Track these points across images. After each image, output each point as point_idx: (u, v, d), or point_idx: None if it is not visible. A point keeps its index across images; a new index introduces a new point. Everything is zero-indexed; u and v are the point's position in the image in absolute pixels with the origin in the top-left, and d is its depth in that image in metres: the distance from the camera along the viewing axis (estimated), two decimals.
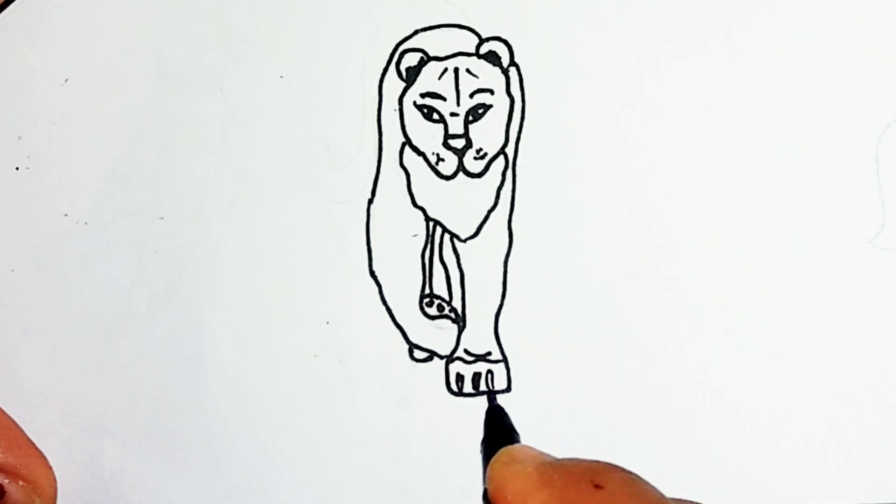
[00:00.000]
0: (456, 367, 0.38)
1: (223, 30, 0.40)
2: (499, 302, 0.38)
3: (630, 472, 0.28)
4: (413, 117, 0.39)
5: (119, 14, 0.40)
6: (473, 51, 0.39)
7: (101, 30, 0.40)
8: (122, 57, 0.40)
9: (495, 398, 0.37)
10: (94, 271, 0.39)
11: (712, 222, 0.37)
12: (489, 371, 0.38)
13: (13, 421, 0.37)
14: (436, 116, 0.38)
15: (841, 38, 0.38)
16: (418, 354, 0.38)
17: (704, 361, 0.37)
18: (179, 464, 0.38)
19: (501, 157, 0.38)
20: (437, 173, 0.38)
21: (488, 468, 0.30)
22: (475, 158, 0.38)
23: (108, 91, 0.40)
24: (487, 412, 0.36)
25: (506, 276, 0.38)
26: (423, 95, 0.39)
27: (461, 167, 0.38)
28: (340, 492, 0.38)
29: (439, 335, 0.38)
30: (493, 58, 0.39)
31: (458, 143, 0.38)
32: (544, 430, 0.35)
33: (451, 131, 0.38)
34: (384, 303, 0.38)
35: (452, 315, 0.38)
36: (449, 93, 0.38)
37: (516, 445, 0.32)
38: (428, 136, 0.39)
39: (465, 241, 0.38)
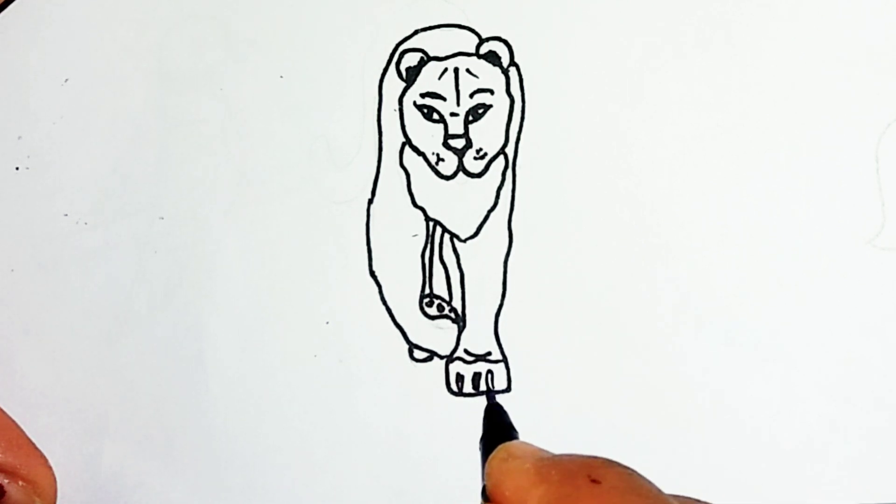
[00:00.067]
0: (456, 367, 0.38)
1: (223, 30, 0.40)
2: (499, 302, 0.38)
3: (627, 468, 0.28)
4: (413, 117, 0.39)
5: (119, 14, 0.40)
6: (473, 51, 0.39)
7: (101, 30, 0.40)
8: (122, 57, 0.40)
9: (494, 395, 0.37)
10: (94, 271, 0.39)
11: (712, 222, 0.37)
12: (489, 371, 0.38)
13: (13, 421, 0.37)
14: (436, 116, 0.38)
15: (841, 38, 0.38)
16: (418, 354, 0.38)
17: (704, 362, 0.37)
18: (179, 464, 0.38)
19: (501, 157, 0.38)
20: (437, 173, 0.38)
21: (486, 464, 0.30)
22: (475, 158, 0.38)
23: (108, 91, 0.40)
24: (486, 409, 0.36)
25: (506, 276, 0.38)
26: (423, 95, 0.39)
27: (461, 167, 0.38)
28: (340, 492, 0.38)
29: (439, 335, 0.38)
30: (493, 58, 0.39)
31: (458, 143, 0.38)
32: (544, 430, 0.35)
33: (451, 131, 0.38)
34: (384, 303, 0.38)
35: (452, 315, 0.38)
36: (449, 93, 0.38)
37: (514, 442, 0.32)
38: (428, 136, 0.39)
39: (465, 241, 0.38)
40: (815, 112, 0.37)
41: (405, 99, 0.39)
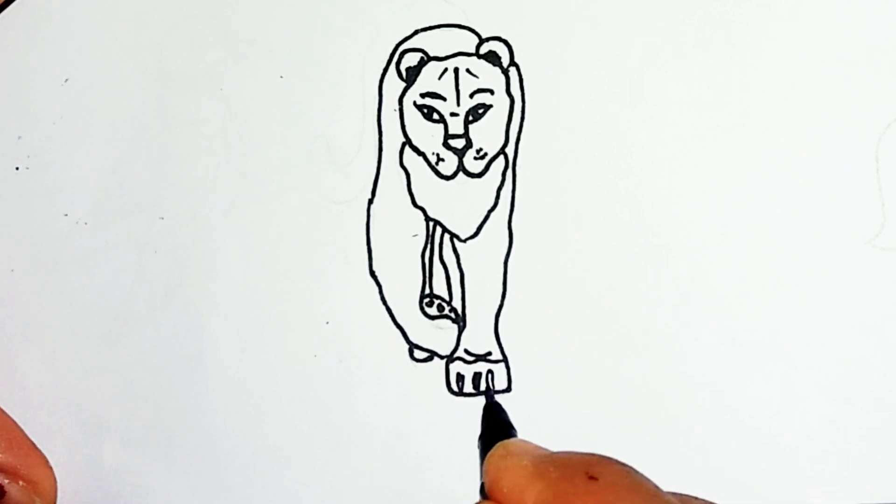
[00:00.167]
0: (456, 366, 0.38)
1: (223, 30, 0.40)
2: (499, 302, 0.38)
3: (625, 464, 0.28)
4: (413, 117, 0.39)
5: (119, 14, 0.40)
6: (473, 51, 0.39)
7: (101, 30, 0.40)
8: (122, 57, 0.40)
9: (492, 394, 0.37)
10: (94, 271, 0.39)
11: (712, 222, 0.37)
12: (489, 371, 0.38)
13: (13, 421, 0.37)
14: (436, 116, 0.38)
15: (841, 38, 0.38)
16: (418, 354, 0.38)
17: (704, 361, 0.37)
18: (179, 464, 0.38)
19: (501, 157, 0.38)
20: (437, 173, 0.38)
21: (484, 462, 0.30)
22: (475, 158, 0.38)
23: (108, 91, 0.40)
24: (485, 408, 0.36)
25: (506, 276, 0.38)
26: (423, 95, 0.39)
27: (461, 167, 0.38)
28: (340, 492, 0.38)
29: (439, 335, 0.38)
30: (493, 58, 0.39)
31: (458, 143, 0.38)
32: (544, 430, 0.35)
33: (451, 131, 0.38)
34: (384, 303, 0.38)
35: (452, 315, 0.38)
36: (449, 93, 0.38)
37: (512, 439, 0.32)
38: (428, 136, 0.39)
39: (465, 241, 0.38)
40: (815, 112, 0.37)
41: (405, 99, 0.39)
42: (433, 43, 0.39)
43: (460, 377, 0.38)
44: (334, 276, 0.38)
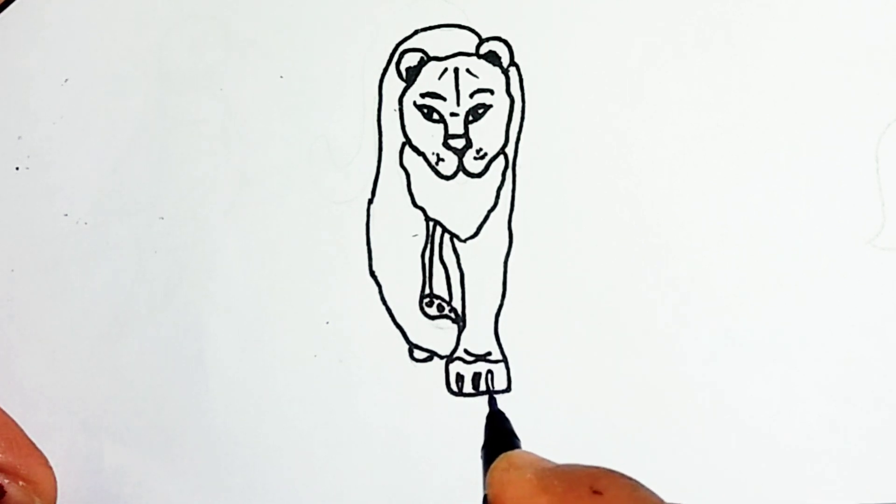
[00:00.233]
0: (456, 367, 0.38)
1: (223, 30, 0.40)
2: (499, 302, 0.38)
3: (630, 479, 0.27)
4: (413, 117, 0.39)
5: (119, 14, 0.40)
6: (473, 51, 0.39)
7: (101, 30, 0.40)
8: (122, 57, 0.40)
9: (496, 402, 0.37)
10: (94, 271, 0.39)
11: (712, 222, 0.37)
12: (489, 371, 0.38)
13: (13, 421, 0.37)
14: (436, 116, 0.38)
15: (841, 38, 0.38)
16: (418, 354, 0.38)
17: (704, 362, 0.37)
18: (179, 464, 0.38)
19: (501, 157, 0.38)
20: (437, 173, 0.38)
21: (488, 474, 0.30)
22: (475, 158, 0.38)
23: (108, 91, 0.40)
24: (488, 417, 0.36)
25: (506, 276, 0.38)
26: (423, 95, 0.39)
27: (461, 167, 0.38)
28: (340, 492, 0.38)
29: (439, 335, 0.38)
30: (493, 58, 0.39)
31: (458, 143, 0.38)
32: (544, 431, 0.35)
33: (451, 131, 0.38)
34: (384, 303, 0.38)
35: (452, 315, 0.38)
36: (449, 93, 0.38)
37: (516, 451, 0.32)
38: (428, 136, 0.39)
39: (465, 241, 0.38)
40: (815, 112, 0.37)
41: (405, 99, 0.39)
42: (433, 43, 0.39)
43: (460, 377, 0.38)
44: (334, 276, 0.38)
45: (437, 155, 0.38)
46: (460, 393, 0.38)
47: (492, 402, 0.37)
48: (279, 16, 0.39)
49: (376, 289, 0.38)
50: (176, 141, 0.39)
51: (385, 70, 0.39)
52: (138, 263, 0.39)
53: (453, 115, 0.38)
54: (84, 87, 0.40)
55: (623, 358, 0.37)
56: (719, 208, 0.37)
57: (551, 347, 0.37)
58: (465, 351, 0.38)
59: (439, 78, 0.39)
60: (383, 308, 0.38)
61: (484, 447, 0.35)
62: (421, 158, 0.39)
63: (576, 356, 0.37)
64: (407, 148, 0.39)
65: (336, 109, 0.39)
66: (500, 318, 0.38)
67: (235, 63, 0.39)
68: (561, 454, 0.31)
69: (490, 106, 0.38)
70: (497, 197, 0.38)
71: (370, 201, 0.39)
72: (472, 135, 0.38)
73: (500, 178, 0.38)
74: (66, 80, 0.40)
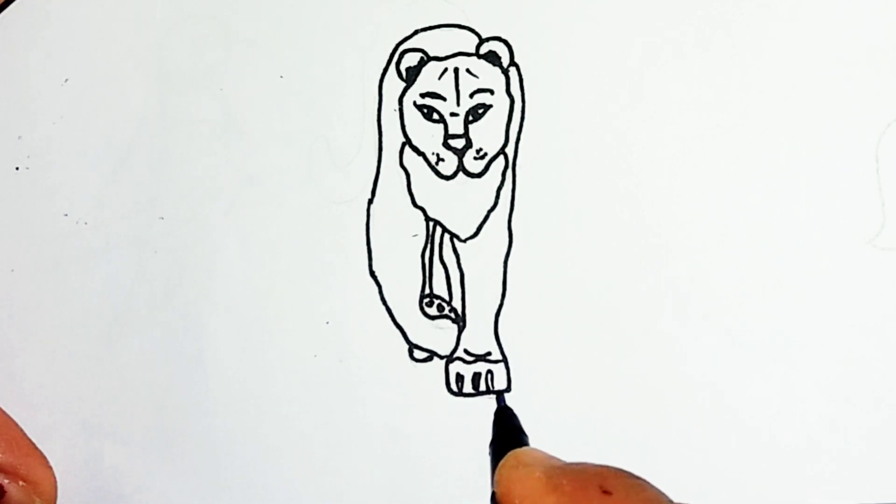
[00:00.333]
0: (456, 367, 0.38)
1: (223, 30, 0.40)
2: (499, 302, 0.38)
3: (639, 479, 0.28)
4: (413, 117, 0.39)
5: (119, 14, 0.40)
6: (473, 51, 0.39)
7: (101, 30, 0.40)
8: (122, 57, 0.40)
9: (504, 399, 0.37)
10: (94, 271, 0.39)
11: (712, 222, 0.37)
12: (489, 371, 0.38)
13: (13, 421, 0.37)
14: (436, 116, 0.38)
15: (841, 38, 0.38)
16: (418, 354, 0.38)
17: (704, 361, 0.37)
18: (179, 464, 0.38)
19: (501, 157, 0.38)
20: (437, 173, 0.38)
21: (496, 471, 0.30)
22: (475, 158, 0.38)
23: (108, 91, 0.40)
24: (496, 413, 0.36)
25: (506, 276, 0.38)
26: (423, 95, 0.39)
27: (461, 167, 0.38)
28: (340, 492, 0.38)
29: (439, 335, 0.38)
30: (493, 58, 0.39)
31: (458, 143, 0.38)
32: (544, 431, 0.35)
33: (451, 131, 0.38)
34: (384, 303, 0.38)
35: (452, 315, 0.38)
36: (449, 93, 0.38)
37: (524, 448, 0.32)
38: (428, 136, 0.39)
39: (465, 241, 0.38)
40: (815, 112, 0.37)
41: (405, 99, 0.39)
42: (433, 43, 0.39)
43: (460, 377, 0.38)
44: (334, 276, 0.38)
45: (437, 155, 0.38)
46: (460, 393, 0.38)
47: (500, 399, 0.37)
48: (279, 16, 0.39)
49: (376, 289, 0.38)
50: (176, 141, 0.39)
51: (385, 70, 0.39)
52: (138, 263, 0.39)
53: (453, 115, 0.38)
54: (84, 87, 0.40)
55: (623, 358, 0.37)
56: (719, 208, 0.37)
57: (551, 347, 0.37)
58: (465, 351, 0.38)
59: (439, 78, 0.39)
60: (383, 308, 0.38)
61: (492, 444, 0.35)
62: (421, 158, 0.39)
63: (576, 356, 0.37)
64: (407, 148, 0.39)
65: (336, 109, 0.39)
66: (500, 318, 0.38)
67: (235, 63, 0.39)
68: (561, 454, 0.31)
69: (490, 106, 0.38)
70: (497, 197, 0.38)
71: (370, 201, 0.39)
72: (472, 135, 0.38)
73: (500, 178, 0.38)
74: (66, 80, 0.40)
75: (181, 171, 0.39)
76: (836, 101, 0.37)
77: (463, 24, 0.39)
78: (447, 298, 0.38)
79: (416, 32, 0.39)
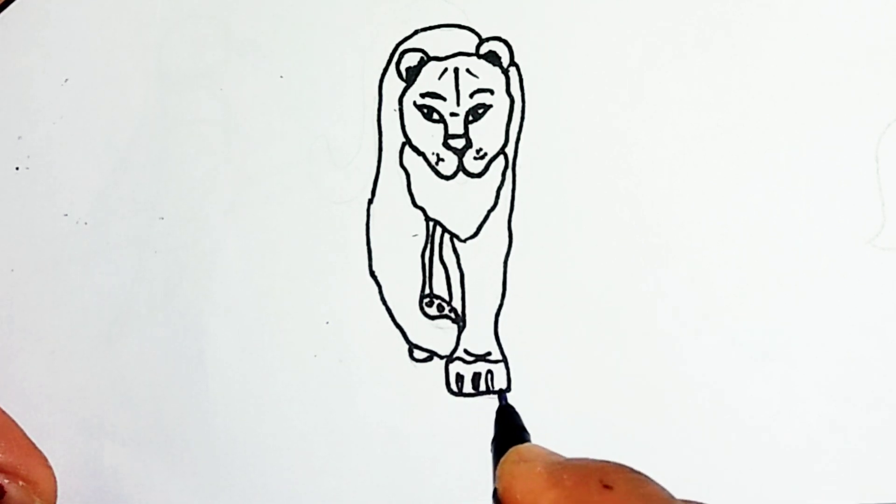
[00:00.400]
0: (456, 367, 0.38)
1: (223, 30, 0.40)
2: (499, 302, 0.38)
3: (640, 473, 0.28)
4: (413, 117, 0.39)
5: (119, 14, 0.40)
6: (473, 51, 0.39)
7: (101, 30, 0.40)
8: (122, 57, 0.40)
9: (506, 397, 0.37)
10: (94, 271, 0.39)
11: (712, 222, 0.37)
12: (489, 371, 0.38)
13: (13, 421, 0.37)
14: (436, 116, 0.38)
15: (841, 38, 0.38)
16: (418, 354, 0.38)
17: (704, 361, 0.37)
18: (179, 464, 0.38)
19: (501, 157, 0.38)
20: (437, 173, 0.38)
21: (498, 467, 0.30)
22: (475, 158, 0.38)
23: (108, 91, 0.40)
24: (498, 411, 0.36)
25: (506, 276, 0.38)
26: (423, 95, 0.39)
27: (461, 167, 0.38)
28: (340, 492, 0.38)
29: (439, 335, 0.38)
30: (493, 58, 0.39)
31: (458, 143, 0.38)
32: (544, 430, 0.35)
33: (451, 131, 0.38)
34: (384, 303, 0.38)
35: (452, 315, 0.38)
36: (449, 93, 0.38)
37: (526, 444, 0.32)
38: (428, 136, 0.39)
39: (465, 241, 0.38)
40: (815, 112, 0.37)
41: (405, 99, 0.39)
42: (433, 43, 0.39)
43: (460, 377, 0.38)
44: (334, 276, 0.38)
45: (437, 155, 0.38)
46: (460, 393, 0.38)
47: (502, 397, 0.37)
48: (279, 16, 0.39)
49: (376, 289, 0.38)
50: (176, 141, 0.39)
51: (385, 70, 0.39)
52: (138, 263, 0.39)
53: (453, 115, 0.38)
54: (84, 87, 0.40)
55: (623, 358, 0.37)
56: (719, 208, 0.37)
57: (551, 347, 0.37)
58: (465, 351, 0.38)
59: (439, 78, 0.39)
60: (383, 308, 0.38)
61: (494, 441, 0.35)
62: (421, 158, 0.39)
63: (576, 356, 0.37)
64: (407, 148, 0.39)
65: (336, 109, 0.39)
66: (500, 318, 0.38)
67: (235, 63, 0.39)
68: (563, 454, 0.31)
69: (490, 106, 0.38)
70: (497, 197, 0.38)
71: (370, 201, 0.39)
72: (472, 135, 0.38)
73: (500, 178, 0.38)
74: (66, 80, 0.40)
75: (181, 171, 0.39)
76: (836, 101, 0.37)
77: (463, 24, 0.39)
78: (447, 298, 0.38)
79: (416, 32, 0.39)
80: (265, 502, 0.38)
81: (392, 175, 0.39)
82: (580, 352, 0.37)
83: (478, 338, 0.38)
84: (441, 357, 0.38)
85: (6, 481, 0.36)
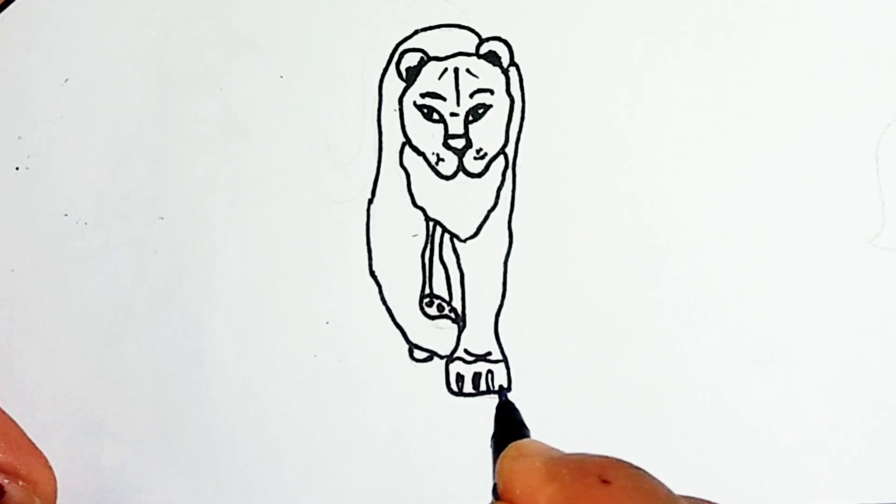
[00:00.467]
0: (456, 367, 0.38)
1: (223, 30, 0.40)
2: (499, 302, 0.38)
3: (638, 468, 0.28)
4: (413, 117, 0.39)
5: (119, 14, 0.40)
6: (473, 51, 0.39)
7: (101, 30, 0.40)
8: (122, 57, 0.40)
9: (506, 394, 0.37)
10: (94, 271, 0.39)
11: (712, 222, 0.37)
12: (489, 371, 0.38)
13: (13, 421, 0.37)
14: (436, 116, 0.38)
15: (841, 38, 0.38)
16: (418, 354, 0.38)
17: (704, 361, 0.37)
18: (179, 464, 0.38)
19: (501, 157, 0.38)
20: (437, 173, 0.38)
21: (497, 462, 0.30)
22: (475, 158, 0.38)
23: (108, 91, 0.40)
24: (498, 407, 0.36)
25: (506, 276, 0.38)
26: (423, 95, 0.39)
27: (461, 167, 0.38)
28: (340, 492, 0.38)
29: (439, 335, 0.38)
30: (493, 58, 0.39)
31: (458, 143, 0.38)
32: (544, 430, 0.35)
33: (451, 131, 0.38)
34: (384, 303, 0.38)
35: (452, 315, 0.38)
36: (449, 93, 0.38)
37: (525, 440, 0.32)
38: (428, 136, 0.39)
39: (465, 241, 0.38)
40: (815, 112, 0.37)
41: (405, 99, 0.39)
42: (433, 43, 0.39)
43: (460, 377, 0.38)
44: (334, 276, 0.38)
45: (437, 155, 0.38)
46: (460, 393, 0.38)
47: (502, 394, 0.37)
48: (279, 16, 0.39)
49: (376, 289, 0.38)
50: (176, 141, 0.39)
51: (385, 70, 0.39)
52: (138, 263, 0.39)
53: (453, 115, 0.38)
54: (84, 87, 0.40)
55: (623, 358, 0.37)
56: (719, 208, 0.37)
57: (551, 347, 0.37)
58: (466, 351, 0.38)
59: (439, 78, 0.39)
60: (383, 308, 0.38)
61: (494, 437, 0.35)
62: (421, 158, 0.39)
63: (576, 356, 0.37)
64: (407, 148, 0.39)
65: (336, 109, 0.39)
66: (500, 318, 0.38)
67: (235, 63, 0.39)
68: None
69: (490, 106, 0.38)
70: (497, 197, 0.38)
71: (370, 201, 0.39)
72: (472, 135, 0.38)
73: (500, 178, 0.38)
74: (66, 80, 0.40)
75: (181, 171, 0.39)
76: (836, 101, 0.37)
77: (463, 24, 0.39)
78: (447, 298, 0.38)
79: (416, 32, 0.39)
80: (265, 502, 0.38)
81: (392, 175, 0.39)
82: (580, 352, 0.37)
83: (478, 338, 0.38)
84: (441, 357, 0.38)
85: (6, 481, 0.36)
